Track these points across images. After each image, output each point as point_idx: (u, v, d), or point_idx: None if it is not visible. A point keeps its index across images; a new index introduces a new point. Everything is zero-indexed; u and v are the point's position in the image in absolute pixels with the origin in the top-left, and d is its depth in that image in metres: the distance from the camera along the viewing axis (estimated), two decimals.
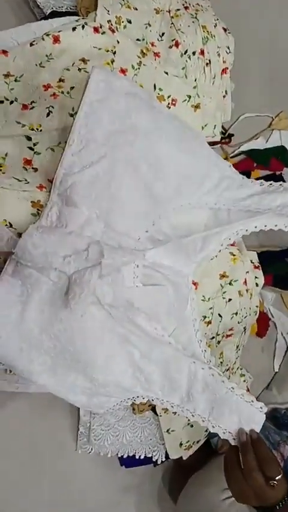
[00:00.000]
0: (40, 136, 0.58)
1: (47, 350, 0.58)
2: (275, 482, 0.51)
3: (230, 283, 0.71)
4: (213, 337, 0.71)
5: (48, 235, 0.54)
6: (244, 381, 0.85)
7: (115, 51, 0.64)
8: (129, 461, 0.78)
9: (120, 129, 0.56)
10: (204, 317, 0.69)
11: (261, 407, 0.59)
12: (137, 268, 0.57)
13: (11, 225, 0.58)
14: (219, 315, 0.70)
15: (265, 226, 0.61)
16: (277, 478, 0.51)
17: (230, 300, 0.70)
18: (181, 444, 0.74)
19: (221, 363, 0.76)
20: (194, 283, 0.67)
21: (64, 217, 0.56)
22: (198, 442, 0.76)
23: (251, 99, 0.92)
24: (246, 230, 0.61)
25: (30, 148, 0.58)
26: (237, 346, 0.78)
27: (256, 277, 0.75)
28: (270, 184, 0.64)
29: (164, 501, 0.83)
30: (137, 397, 0.64)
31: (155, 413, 0.72)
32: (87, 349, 0.57)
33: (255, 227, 0.61)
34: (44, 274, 0.55)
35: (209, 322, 0.70)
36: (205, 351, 0.62)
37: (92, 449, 0.74)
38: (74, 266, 0.54)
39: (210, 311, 0.69)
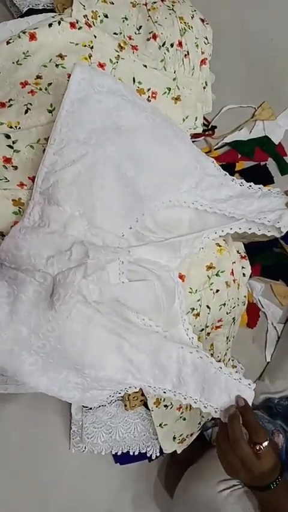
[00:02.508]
0: (19, 134, 0.58)
1: (36, 350, 0.58)
2: (261, 447, 0.52)
3: (217, 274, 0.71)
4: (202, 329, 0.71)
5: (31, 236, 0.54)
6: (236, 371, 0.85)
7: (92, 46, 0.63)
8: (123, 458, 0.78)
9: (102, 128, 0.56)
10: (193, 309, 0.69)
11: (249, 384, 0.61)
12: (122, 264, 0.57)
13: None
14: (207, 306, 0.70)
15: (239, 229, 0.64)
16: (264, 444, 0.52)
17: (217, 291, 0.70)
18: (174, 438, 0.74)
19: (212, 354, 0.76)
20: (181, 276, 0.67)
21: (47, 216, 0.56)
22: (191, 435, 0.76)
23: (232, 90, 0.92)
24: (222, 231, 0.64)
25: (10, 146, 0.58)
26: (227, 338, 0.78)
27: (243, 267, 0.75)
28: (250, 186, 0.65)
29: (161, 496, 0.83)
30: (130, 387, 0.64)
31: (147, 408, 0.72)
32: (76, 347, 0.57)
33: (231, 229, 0.65)
34: (29, 275, 0.55)
35: (198, 314, 0.70)
36: (192, 338, 0.63)
37: (85, 447, 0.73)
38: (57, 267, 0.54)
39: (198, 303, 0.69)
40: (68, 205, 0.56)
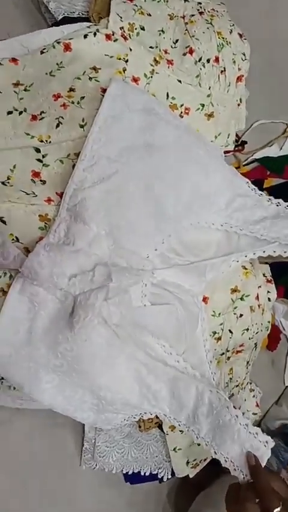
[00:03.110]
0: (49, 148, 0.57)
1: (53, 368, 0.57)
2: None
3: (241, 298, 0.69)
4: (223, 353, 0.70)
5: (55, 254, 0.53)
6: (254, 396, 0.84)
7: (127, 59, 0.62)
8: (134, 478, 0.76)
9: (134, 146, 0.55)
10: (214, 333, 0.67)
11: (266, 442, 0.56)
12: (145, 287, 0.56)
13: (17, 240, 0.57)
14: (229, 330, 0.68)
15: (274, 251, 0.60)
16: (275, 510, 0.48)
17: (241, 315, 0.68)
18: (188, 462, 0.72)
19: (231, 379, 0.74)
20: (204, 298, 0.65)
21: (72, 234, 0.55)
22: (205, 460, 0.74)
23: (264, 106, 0.90)
24: (254, 254, 0.60)
25: (39, 160, 0.57)
26: (248, 362, 0.76)
27: (268, 292, 0.73)
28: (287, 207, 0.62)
29: None
30: (145, 413, 0.63)
31: (162, 430, 0.71)
32: (93, 369, 0.56)
33: (264, 252, 0.61)
34: (50, 292, 0.54)
35: (219, 338, 0.68)
36: (215, 373, 0.60)
37: (96, 465, 0.72)
38: (79, 287, 0.53)
39: (220, 327, 0.67)
40: (94, 224, 0.55)
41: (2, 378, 0.60)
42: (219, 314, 0.67)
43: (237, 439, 0.56)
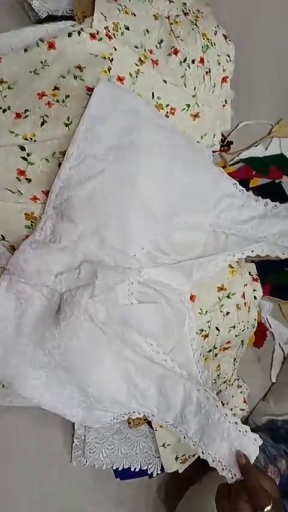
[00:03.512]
0: (34, 147, 0.57)
1: (41, 365, 0.58)
2: None
3: (227, 297, 0.69)
4: (210, 350, 0.70)
5: (41, 251, 0.53)
6: (241, 392, 0.84)
7: (112, 59, 0.62)
8: (124, 474, 0.77)
9: (120, 146, 0.55)
10: (202, 330, 0.67)
11: (255, 440, 0.56)
12: (131, 285, 0.56)
13: (3, 238, 0.57)
14: (216, 328, 0.69)
15: (262, 251, 0.61)
16: (266, 509, 0.48)
17: (227, 313, 0.69)
18: (177, 458, 0.73)
19: (218, 375, 0.75)
20: (192, 296, 0.66)
21: (58, 232, 0.55)
22: (194, 455, 0.75)
23: (250, 107, 0.90)
24: (242, 253, 0.61)
25: (24, 158, 0.57)
26: (235, 359, 0.77)
27: (254, 290, 0.73)
28: (275, 206, 0.63)
29: None
30: (133, 412, 0.63)
31: (151, 427, 0.71)
32: (80, 366, 0.56)
33: (252, 251, 0.62)
34: (37, 290, 0.54)
35: (206, 336, 0.68)
36: (202, 372, 0.61)
37: (86, 461, 0.72)
38: (65, 285, 0.54)
39: (207, 324, 0.68)
40: (80, 222, 0.55)
41: None
42: (206, 312, 0.67)
43: (226, 437, 0.57)
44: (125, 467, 0.74)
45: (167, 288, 0.58)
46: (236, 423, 0.58)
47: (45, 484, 0.74)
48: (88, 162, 0.55)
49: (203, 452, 0.58)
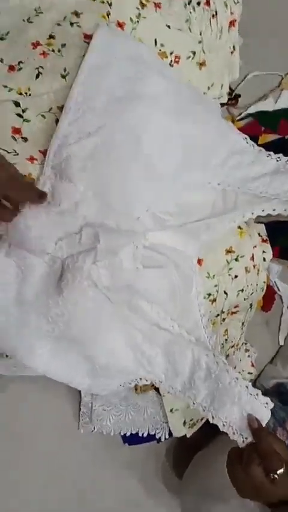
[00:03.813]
0: (29, 101, 0.53)
1: (45, 334, 0.56)
2: (275, 475, 0.47)
3: (236, 259, 0.67)
4: (217, 315, 0.68)
5: (40, 215, 0.50)
6: (249, 356, 0.83)
7: (111, 2, 0.57)
8: (132, 439, 0.77)
9: (122, 98, 0.51)
10: (209, 294, 0.65)
11: (266, 403, 0.55)
12: (136, 249, 0.53)
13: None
14: (224, 292, 0.67)
15: (273, 210, 0.57)
16: (279, 471, 0.47)
17: (236, 276, 0.67)
18: (185, 423, 0.72)
19: (226, 340, 0.74)
20: (199, 260, 0.63)
21: (58, 193, 0.52)
22: (202, 419, 0.75)
23: (260, 56, 0.84)
24: (252, 213, 0.57)
25: (19, 115, 0.53)
26: (243, 323, 0.75)
27: (264, 252, 0.71)
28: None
29: (169, 477, 0.82)
30: (140, 379, 0.62)
31: (158, 392, 0.70)
32: (86, 334, 0.54)
33: (263, 211, 0.57)
34: (38, 256, 0.51)
35: (214, 300, 0.66)
36: (210, 337, 0.59)
37: (94, 428, 0.72)
38: (66, 251, 0.51)
39: (215, 288, 0.66)
40: (80, 182, 0.52)
41: None
42: (214, 276, 0.65)
43: (237, 402, 0.55)
44: (133, 432, 0.74)
45: (174, 251, 0.55)
46: (247, 387, 0.57)
47: (53, 452, 0.74)
48: (88, 117, 0.51)
49: (213, 417, 0.57)
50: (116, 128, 0.50)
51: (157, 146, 0.52)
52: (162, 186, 0.54)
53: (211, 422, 0.58)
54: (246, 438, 0.54)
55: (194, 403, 0.59)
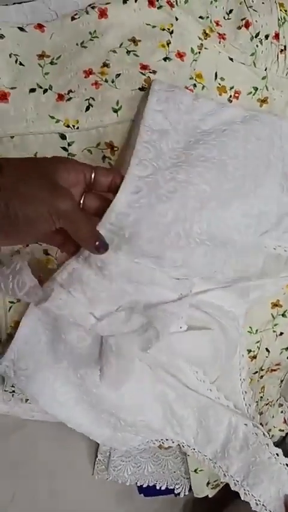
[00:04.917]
0: (76, 135, 0.49)
1: (71, 383, 0.51)
2: None
3: (283, 315, 0.61)
4: (256, 372, 0.63)
5: (76, 288, 0.44)
6: (282, 411, 0.77)
7: (172, 30, 0.53)
8: (148, 490, 0.71)
9: (188, 161, 0.45)
10: (249, 351, 0.60)
11: None
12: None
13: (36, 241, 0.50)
14: (266, 349, 0.61)
15: None
16: None
17: (281, 333, 0.61)
18: (208, 483, 0.67)
19: (261, 397, 0.67)
20: None
21: (109, 265, 0.43)
22: None
23: None
24: None
25: (64, 148, 0.49)
26: (282, 381, 0.69)
27: None
28: None
29: None
30: (166, 440, 0.57)
31: (182, 446, 0.65)
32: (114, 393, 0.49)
33: None
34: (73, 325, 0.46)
35: (254, 357, 0.61)
36: (249, 405, 0.54)
37: (110, 476, 0.68)
38: (108, 330, 0.44)
39: (256, 345, 0.60)
40: (135, 255, 0.44)
41: (13, 391, 0.55)
42: (257, 331, 0.60)
43: (275, 480, 0.51)
44: (150, 484, 0.69)
45: (221, 311, 0.50)
46: (287, 465, 0.51)
47: (65, 495, 0.70)
48: (159, 177, 0.44)
49: (245, 493, 0.52)
50: (187, 194, 0.43)
51: (220, 210, 0.46)
52: (215, 249, 0.47)
53: (242, 499, 0.52)
54: None
55: (225, 475, 0.54)
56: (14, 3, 0.52)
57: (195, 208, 0.44)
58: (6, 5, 0.51)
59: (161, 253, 0.44)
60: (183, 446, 0.56)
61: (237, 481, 0.52)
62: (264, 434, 0.52)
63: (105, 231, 0.42)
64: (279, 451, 0.51)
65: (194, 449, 0.55)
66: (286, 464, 0.51)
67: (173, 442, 0.56)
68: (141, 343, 0.43)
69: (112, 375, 0.44)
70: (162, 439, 0.56)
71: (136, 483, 0.69)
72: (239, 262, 0.48)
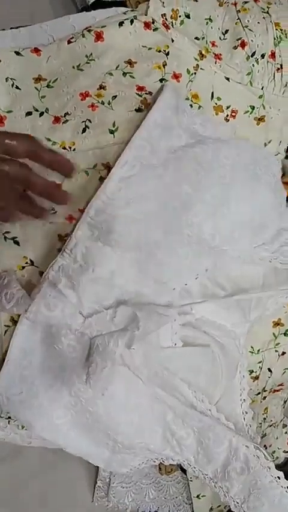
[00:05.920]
0: (73, 157, 0.48)
1: (66, 405, 0.50)
2: None
3: (285, 334, 0.60)
4: (258, 393, 0.61)
5: (66, 286, 0.45)
6: (286, 432, 0.75)
7: (168, 52, 0.53)
8: None
9: (181, 163, 0.46)
10: (251, 371, 0.59)
11: None
12: (174, 321, 0.47)
13: (32, 263, 0.49)
14: (269, 369, 0.60)
15: None
16: None
17: (283, 353, 0.60)
18: (211, 509, 0.65)
19: (264, 419, 0.66)
20: None
21: (92, 257, 0.46)
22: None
23: None
24: None
25: None
26: (285, 402, 0.67)
27: None
28: None
29: None
30: (166, 458, 0.55)
31: (184, 473, 0.63)
32: (110, 413, 0.48)
33: None
34: (63, 329, 0.46)
35: (256, 378, 0.59)
36: (250, 426, 0.52)
37: (110, 502, 0.66)
38: (96, 329, 0.46)
39: (258, 365, 0.59)
40: (120, 248, 0.47)
41: (9, 417, 0.53)
42: (259, 351, 0.58)
43: (277, 504, 0.49)
44: (152, 511, 0.67)
45: (221, 330, 0.49)
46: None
47: None
48: (143, 175, 0.46)
49: None
50: (171, 195, 0.45)
51: (206, 217, 0.46)
52: (208, 258, 0.48)
53: None
54: None
55: (225, 496, 0.52)
56: (11, 28, 0.52)
57: (175, 208, 0.45)
58: (3, 29, 0.52)
59: (140, 250, 0.46)
60: (183, 464, 0.54)
61: (237, 503, 0.51)
62: (265, 456, 0.50)
63: (85, 224, 0.46)
64: (281, 474, 0.50)
65: (195, 467, 0.53)
66: (287, 487, 0.50)
67: (173, 461, 0.55)
68: (126, 339, 0.44)
69: (97, 375, 0.44)
70: (162, 458, 0.55)
71: (137, 509, 0.68)
72: (234, 270, 0.48)
